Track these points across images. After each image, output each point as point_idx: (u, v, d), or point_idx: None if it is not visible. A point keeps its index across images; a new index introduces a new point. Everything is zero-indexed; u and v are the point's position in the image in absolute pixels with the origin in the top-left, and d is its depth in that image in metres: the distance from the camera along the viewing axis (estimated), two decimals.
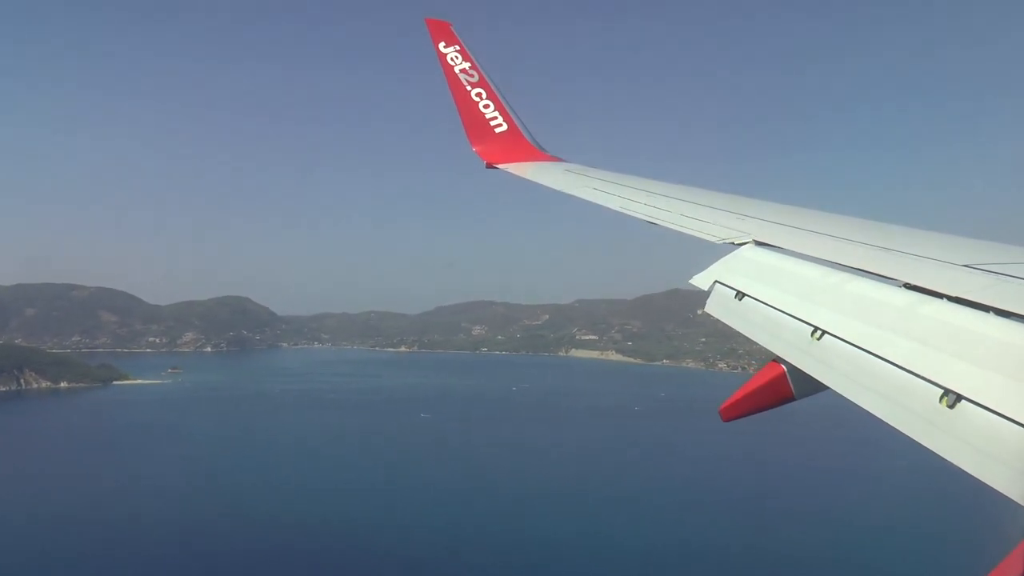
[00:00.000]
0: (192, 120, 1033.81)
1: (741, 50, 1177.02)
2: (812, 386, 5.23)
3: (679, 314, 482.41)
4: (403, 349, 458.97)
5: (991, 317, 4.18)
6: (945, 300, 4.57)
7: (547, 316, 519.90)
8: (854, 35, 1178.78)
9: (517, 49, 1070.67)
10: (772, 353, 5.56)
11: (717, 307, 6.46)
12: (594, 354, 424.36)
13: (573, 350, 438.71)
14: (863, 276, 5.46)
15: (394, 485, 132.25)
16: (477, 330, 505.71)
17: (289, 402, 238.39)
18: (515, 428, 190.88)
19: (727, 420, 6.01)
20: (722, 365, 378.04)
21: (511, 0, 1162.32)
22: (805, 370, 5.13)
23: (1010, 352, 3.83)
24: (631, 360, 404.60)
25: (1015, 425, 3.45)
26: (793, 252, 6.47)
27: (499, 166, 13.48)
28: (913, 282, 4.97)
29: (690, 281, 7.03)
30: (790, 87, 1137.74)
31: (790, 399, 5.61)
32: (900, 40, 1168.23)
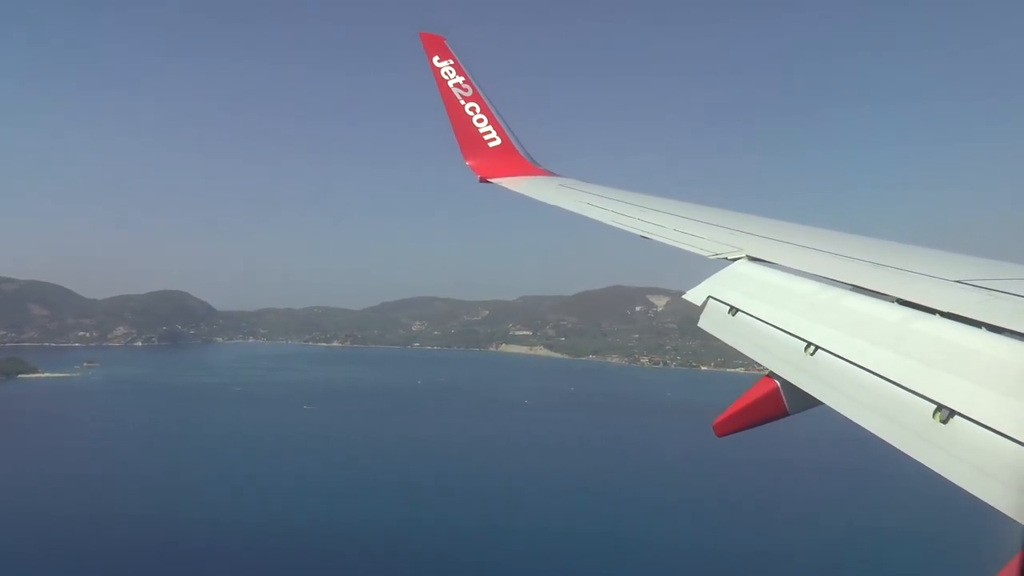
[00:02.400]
0: (136, 110, 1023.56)
1: (737, 54, 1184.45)
2: (806, 401, 5.26)
3: (617, 310, 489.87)
4: (335, 344, 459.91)
5: (984, 333, 4.17)
6: (938, 316, 4.56)
7: (487, 312, 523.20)
8: (854, 33, 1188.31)
9: (514, 61, 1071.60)
10: (765, 368, 5.61)
11: (710, 322, 6.55)
12: (523, 349, 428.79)
13: (504, 345, 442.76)
14: (856, 292, 5.48)
15: (233, 475, 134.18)
16: (417, 325, 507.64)
17: (189, 395, 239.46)
18: (388, 421, 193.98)
19: (721, 435, 6.05)
20: (644, 360, 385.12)
21: (506, 11, 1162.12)
22: (799, 385, 5.15)
23: (1002, 368, 3.82)
24: (557, 355, 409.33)
25: (1008, 440, 3.46)
26: (786, 267, 6.61)
27: (492, 180, 13.54)
28: (906, 298, 4.97)
29: (683, 296, 7.16)
30: (784, 87, 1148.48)
31: (784, 414, 5.66)
32: (899, 38, 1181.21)
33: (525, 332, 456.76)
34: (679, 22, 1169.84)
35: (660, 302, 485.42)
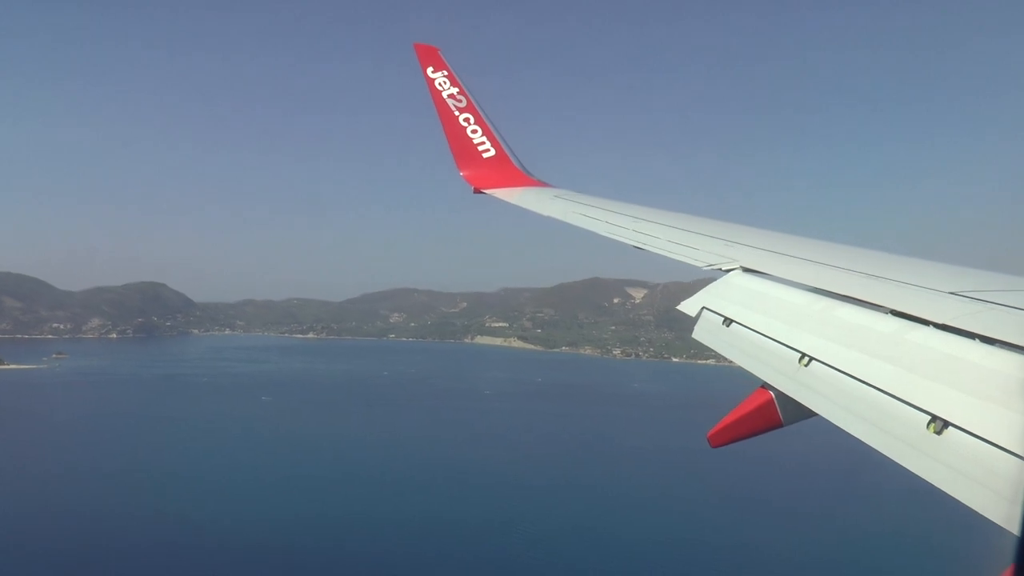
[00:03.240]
0: (114, 102, 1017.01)
1: (734, 56, 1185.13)
2: (800, 412, 5.28)
3: (594, 302, 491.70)
4: (311, 336, 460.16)
5: (977, 344, 4.19)
6: (932, 327, 4.58)
7: (465, 304, 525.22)
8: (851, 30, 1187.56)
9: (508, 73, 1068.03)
10: (760, 379, 5.62)
11: (704, 333, 6.58)
12: (498, 341, 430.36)
13: (479, 337, 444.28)
14: (850, 303, 5.50)
15: (180, 467, 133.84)
16: (395, 317, 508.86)
17: (152, 387, 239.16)
18: (342, 412, 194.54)
19: (716, 446, 6.00)
20: (617, 352, 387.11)
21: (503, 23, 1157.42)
22: (793, 396, 5.17)
23: (996, 379, 3.84)
24: (531, 347, 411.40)
25: (1002, 451, 3.47)
26: (781, 279, 6.62)
27: (487, 191, 13.55)
28: (900, 309, 4.99)
29: (678, 307, 7.16)
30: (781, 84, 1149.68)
31: (778, 425, 5.65)
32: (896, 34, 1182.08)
33: (501, 324, 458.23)
34: (678, 22, 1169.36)
35: (638, 294, 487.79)
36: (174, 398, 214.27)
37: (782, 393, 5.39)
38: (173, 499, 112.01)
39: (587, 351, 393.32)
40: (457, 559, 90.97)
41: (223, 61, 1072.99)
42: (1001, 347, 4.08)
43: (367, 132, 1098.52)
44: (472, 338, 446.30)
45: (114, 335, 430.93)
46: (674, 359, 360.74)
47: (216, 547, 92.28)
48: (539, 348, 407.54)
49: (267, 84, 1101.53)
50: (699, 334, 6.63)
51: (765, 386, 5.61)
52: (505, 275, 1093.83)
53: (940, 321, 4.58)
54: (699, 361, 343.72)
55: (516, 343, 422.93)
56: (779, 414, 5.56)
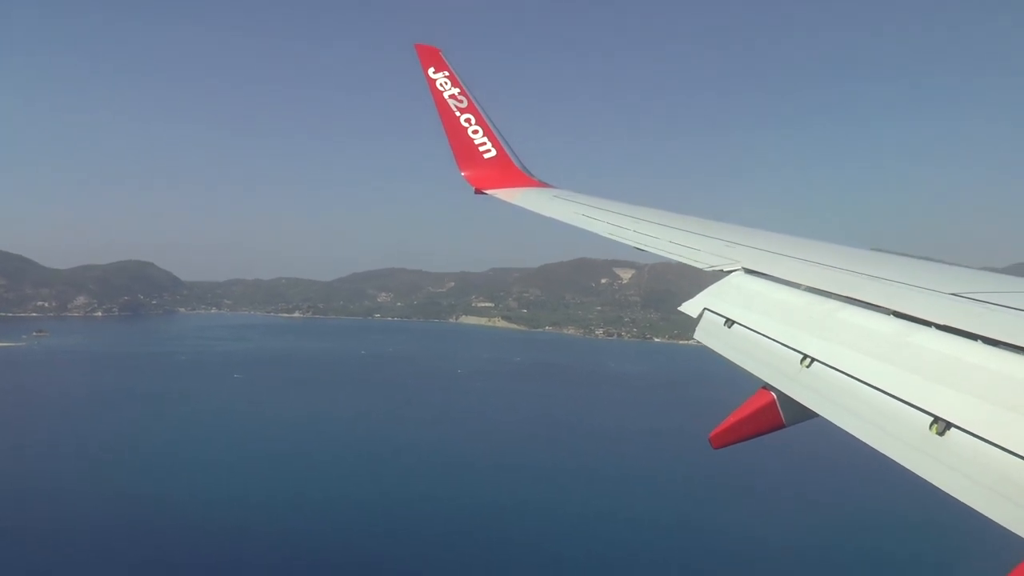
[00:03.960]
0: (102, 78, 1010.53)
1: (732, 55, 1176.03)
2: (802, 413, 5.29)
3: (581, 283, 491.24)
4: (297, 315, 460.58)
5: (979, 345, 4.21)
6: (934, 328, 4.60)
7: (453, 284, 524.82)
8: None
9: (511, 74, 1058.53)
10: (761, 380, 5.64)
11: (706, 334, 6.58)
12: (482, 321, 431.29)
13: (464, 316, 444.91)
14: (852, 304, 5.53)
15: (142, 444, 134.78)
16: (382, 297, 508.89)
17: (127, 364, 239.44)
18: (308, 390, 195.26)
19: (717, 447, 6.00)
20: (599, 332, 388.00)
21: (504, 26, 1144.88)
22: (795, 398, 5.20)
23: (999, 380, 3.85)
24: (515, 327, 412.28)
25: (1005, 452, 3.48)
26: (782, 280, 6.62)
27: (488, 192, 13.68)
28: (902, 310, 5.02)
29: (679, 308, 7.16)
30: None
31: (780, 426, 5.67)
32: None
33: (487, 304, 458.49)
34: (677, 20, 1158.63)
35: (625, 275, 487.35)
36: (146, 376, 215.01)
37: (784, 394, 5.37)
38: (129, 476, 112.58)
39: (570, 331, 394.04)
40: (395, 537, 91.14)
41: (213, 35, 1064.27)
42: (1004, 348, 4.07)
43: (363, 112, 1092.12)
44: (457, 318, 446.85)
45: (99, 313, 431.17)
46: (656, 339, 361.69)
47: (168, 525, 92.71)
48: (523, 328, 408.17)
49: (259, 64, 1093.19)
50: (700, 335, 6.63)
51: (767, 387, 5.58)
52: (496, 256, 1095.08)
53: (942, 322, 4.57)
54: (680, 342, 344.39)
55: (500, 323, 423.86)
56: (781, 415, 5.54)
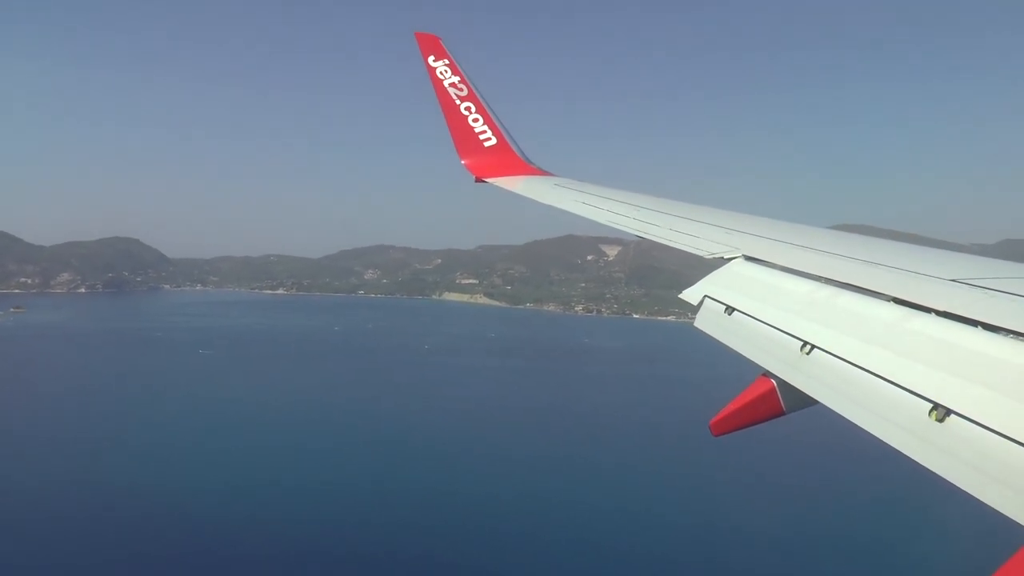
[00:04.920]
0: (96, 49, 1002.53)
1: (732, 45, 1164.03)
2: (802, 401, 5.31)
3: (567, 260, 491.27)
4: (281, 292, 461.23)
5: (979, 332, 4.22)
6: (934, 315, 4.61)
7: (440, 261, 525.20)
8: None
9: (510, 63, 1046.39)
10: (761, 367, 5.63)
11: (706, 322, 6.58)
12: (464, 297, 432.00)
13: (447, 293, 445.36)
14: (852, 291, 5.55)
15: (92, 417, 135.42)
16: (369, 274, 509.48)
17: (100, 341, 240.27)
18: (275, 365, 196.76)
19: (717, 435, 6.01)
20: (579, 308, 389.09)
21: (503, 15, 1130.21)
22: (795, 385, 5.20)
23: (998, 366, 3.87)
24: (496, 303, 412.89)
25: (1004, 439, 3.49)
26: (783, 267, 6.63)
27: (488, 180, 13.58)
28: (902, 297, 5.03)
29: (680, 296, 7.14)
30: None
31: (780, 414, 5.67)
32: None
33: (471, 280, 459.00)
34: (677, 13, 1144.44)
35: (611, 251, 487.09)
36: (114, 352, 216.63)
37: (784, 381, 5.36)
38: (76, 457, 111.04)
39: (551, 307, 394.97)
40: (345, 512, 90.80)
41: (210, 16, 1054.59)
42: (1004, 335, 4.08)
43: (354, 93, 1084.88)
44: (440, 294, 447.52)
45: (82, 290, 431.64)
46: (635, 315, 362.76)
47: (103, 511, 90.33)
48: (504, 304, 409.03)
49: (250, 37, 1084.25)
50: (701, 323, 6.61)
51: (767, 374, 5.57)
52: (485, 233, 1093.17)
53: (942, 309, 4.56)
54: (659, 318, 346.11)
55: (481, 299, 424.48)
56: (781, 402, 5.54)
